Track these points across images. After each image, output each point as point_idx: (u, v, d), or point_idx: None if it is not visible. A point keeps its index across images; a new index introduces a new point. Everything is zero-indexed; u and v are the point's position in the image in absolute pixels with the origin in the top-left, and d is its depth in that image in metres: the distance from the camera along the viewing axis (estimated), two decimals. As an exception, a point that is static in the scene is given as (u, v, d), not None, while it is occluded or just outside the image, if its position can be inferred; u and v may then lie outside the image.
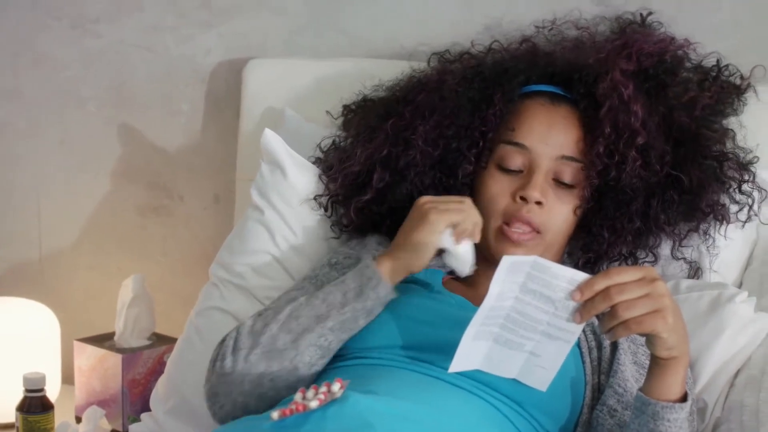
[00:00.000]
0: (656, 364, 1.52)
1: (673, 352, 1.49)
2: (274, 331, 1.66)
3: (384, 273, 1.65)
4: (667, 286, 1.49)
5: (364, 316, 1.66)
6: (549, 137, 1.78)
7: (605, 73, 1.80)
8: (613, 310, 1.45)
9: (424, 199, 1.68)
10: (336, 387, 1.48)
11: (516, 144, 1.79)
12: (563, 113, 1.81)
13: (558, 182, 1.78)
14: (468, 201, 1.67)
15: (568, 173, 1.78)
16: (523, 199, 1.75)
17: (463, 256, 1.66)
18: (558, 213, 1.77)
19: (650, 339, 1.48)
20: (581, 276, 1.45)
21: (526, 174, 1.78)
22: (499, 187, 1.79)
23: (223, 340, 1.73)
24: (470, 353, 1.52)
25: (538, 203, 1.75)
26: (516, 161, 1.79)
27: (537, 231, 1.76)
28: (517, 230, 1.75)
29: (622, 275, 1.45)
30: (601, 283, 1.44)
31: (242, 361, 1.67)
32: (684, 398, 1.53)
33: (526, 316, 1.48)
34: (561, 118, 1.80)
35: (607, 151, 1.78)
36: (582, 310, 1.46)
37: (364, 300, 1.64)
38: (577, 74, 1.83)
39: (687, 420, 1.54)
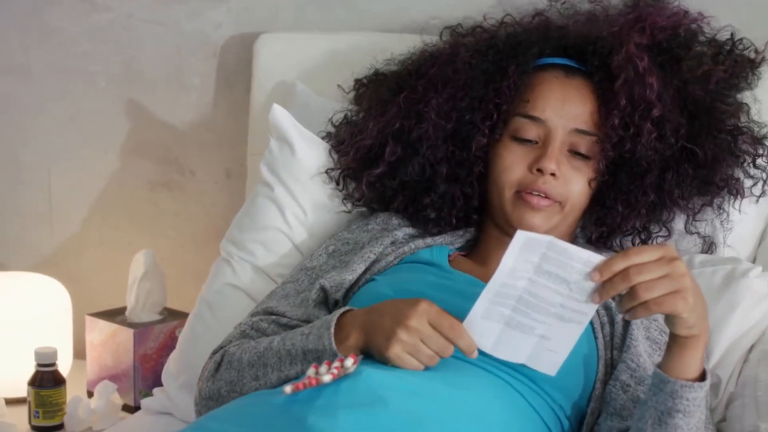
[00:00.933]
0: (675, 342, 1.50)
1: (693, 330, 1.47)
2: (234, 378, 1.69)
3: (348, 344, 1.58)
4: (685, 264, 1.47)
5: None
6: (564, 109, 1.77)
7: (620, 45, 1.80)
8: (632, 291, 1.42)
9: (419, 313, 1.53)
10: (349, 362, 1.48)
11: (531, 117, 1.78)
12: (578, 85, 1.80)
13: (573, 153, 1.78)
14: (450, 350, 1.53)
15: (583, 145, 1.78)
16: (539, 170, 1.75)
17: None
18: (574, 183, 1.77)
19: (670, 318, 1.47)
20: (597, 258, 1.43)
21: (541, 146, 1.77)
22: (514, 158, 1.78)
23: (214, 352, 1.77)
24: (480, 331, 1.51)
25: (553, 175, 1.75)
26: (531, 132, 1.78)
27: (555, 201, 1.76)
28: (536, 196, 1.75)
29: (641, 255, 1.42)
30: (619, 264, 1.42)
31: (216, 392, 1.71)
32: (702, 376, 1.52)
33: (539, 299, 1.46)
34: (575, 90, 1.79)
35: (622, 123, 1.78)
36: (600, 290, 1.43)
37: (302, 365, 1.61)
38: (591, 47, 1.83)
39: (704, 399, 1.53)
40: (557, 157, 1.76)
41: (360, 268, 1.80)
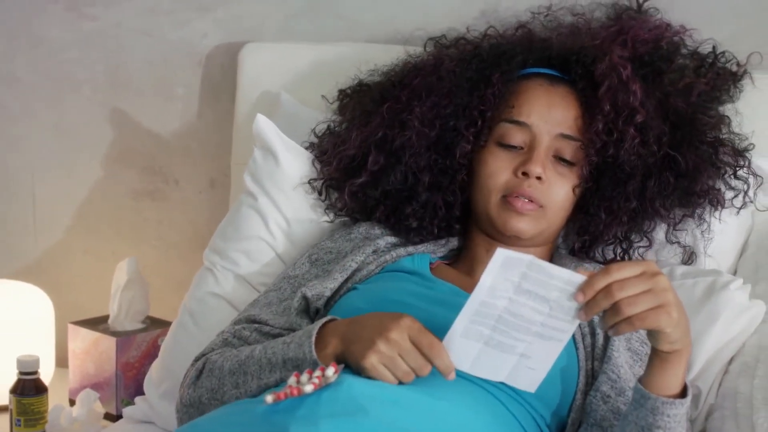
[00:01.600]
0: (658, 357, 1.49)
1: (676, 345, 1.47)
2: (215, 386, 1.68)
3: (326, 352, 1.57)
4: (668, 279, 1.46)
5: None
6: (549, 115, 1.79)
7: (603, 54, 1.81)
8: (615, 307, 1.42)
9: (401, 327, 1.52)
10: (330, 371, 1.48)
11: (517, 122, 1.79)
12: (562, 92, 1.81)
13: (558, 159, 1.79)
14: (426, 369, 1.52)
15: (568, 151, 1.79)
16: (524, 174, 1.76)
17: None
18: (559, 188, 1.78)
19: (653, 334, 1.46)
20: (579, 277, 1.42)
21: (526, 150, 1.78)
22: (499, 163, 1.79)
23: (196, 359, 1.77)
24: (459, 350, 1.50)
25: (539, 178, 1.75)
26: (516, 138, 1.79)
27: (539, 205, 1.77)
28: (522, 199, 1.76)
29: (622, 271, 1.42)
30: (601, 281, 1.42)
31: (197, 399, 1.70)
32: (683, 391, 1.52)
33: (520, 318, 1.46)
34: (560, 96, 1.81)
35: (606, 128, 1.79)
36: (585, 308, 1.43)
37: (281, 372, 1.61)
38: (574, 56, 1.84)
39: (685, 413, 1.53)
40: (543, 162, 1.77)
41: (340, 278, 1.80)
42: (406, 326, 1.51)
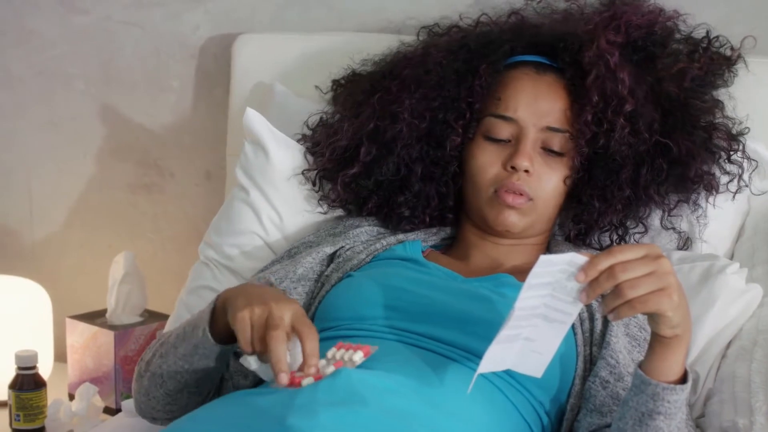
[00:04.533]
0: (658, 343, 1.47)
1: (677, 330, 1.45)
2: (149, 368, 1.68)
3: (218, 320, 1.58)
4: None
5: (188, 361, 1.62)
6: (535, 107, 1.78)
7: (590, 41, 1.80)
8: (617, 290, 1.40)
9: (287, 309, 1.50)
10: (358, 356, 1.50)
11: (503, 117, 1.79)
12: (549, 82, 1.81)
13: (546, 150, 1.79)
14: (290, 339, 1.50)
15: (556, 142, 1.78)
16: (513, 168, 1.76)
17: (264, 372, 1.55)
18: (547, 180, 1.78)
19: (654, 318, 1.44)
20: (581, 258, 1.40)
21: (514, 143, 1.78)
22: (487, 157, 1.79)
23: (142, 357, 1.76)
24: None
25: (526, 171, 1.75)
26: (503, 132, 1.79)
27: (529, 198, 1.76)
28: (512, 194, 1.76)
29: (625, 253, 1.40)
30: (604, 262, 1.40)
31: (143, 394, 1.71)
32: (684, 377, 1.50)
33: (527, 309, 1.43)
34: (546, 86, 1.80)
35: (595, 119, 1.79)
36: (587, 289, 1.41)
37: (187, 343, 1.61)
38: (561, 43, 1.83)
39: (686, 400, 1.52)
40: (530, 154, 1.76)
41: (308, 261, 1.80)
42: (293, 309, 1.50)
